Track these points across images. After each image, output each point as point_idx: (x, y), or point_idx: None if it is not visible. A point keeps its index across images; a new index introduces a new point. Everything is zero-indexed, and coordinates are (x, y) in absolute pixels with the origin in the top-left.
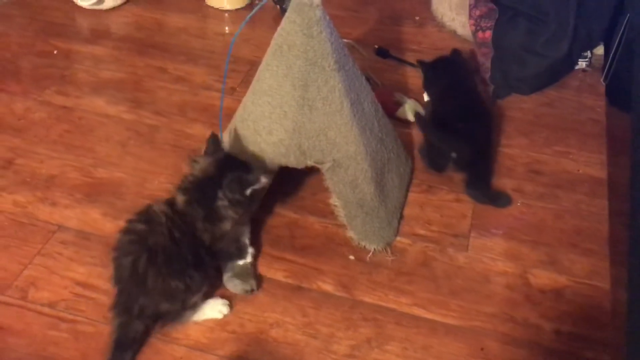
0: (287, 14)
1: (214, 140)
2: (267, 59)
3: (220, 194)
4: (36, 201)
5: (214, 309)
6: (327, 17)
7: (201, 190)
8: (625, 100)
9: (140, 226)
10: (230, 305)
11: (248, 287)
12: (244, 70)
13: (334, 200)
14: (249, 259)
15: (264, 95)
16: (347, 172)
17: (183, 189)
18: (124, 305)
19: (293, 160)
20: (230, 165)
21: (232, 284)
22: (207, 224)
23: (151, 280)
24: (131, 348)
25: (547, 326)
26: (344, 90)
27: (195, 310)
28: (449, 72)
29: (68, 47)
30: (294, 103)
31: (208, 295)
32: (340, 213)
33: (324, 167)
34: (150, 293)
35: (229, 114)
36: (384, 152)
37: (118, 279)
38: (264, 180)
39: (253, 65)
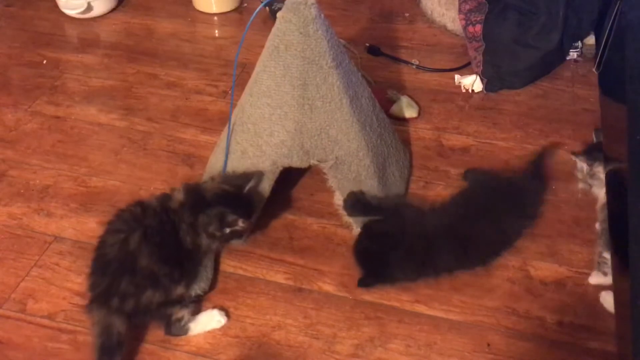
0: (282, 14)
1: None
2: (264, 60)
3: (199, 217)
4: (31, 212)
5: (212, 320)
6: (322, 15)
7: (195, 201)
8: (618, 89)
9: (135, 209)
10: (231, 310)
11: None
12: (235, 73)
13: (337, 199)
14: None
15: (262, 97)
16: (350, 169)
17: (185, 189)
18: (103, 294)
19: (296, 161)
20: (229, 200)
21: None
22: (190, 229)
23: (144, 258)
24: (118, 351)
25: (550, 318)
26: (343, 87)
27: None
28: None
29: (57, 56)
30: (294, 103)
31: (198, 308)
32: None
33: (327, 166)
34: (137, 274)
35: (223, 117)
36: (384, 146)
37: (99, 264)
38: (241, 224)
39: (244, 68)
